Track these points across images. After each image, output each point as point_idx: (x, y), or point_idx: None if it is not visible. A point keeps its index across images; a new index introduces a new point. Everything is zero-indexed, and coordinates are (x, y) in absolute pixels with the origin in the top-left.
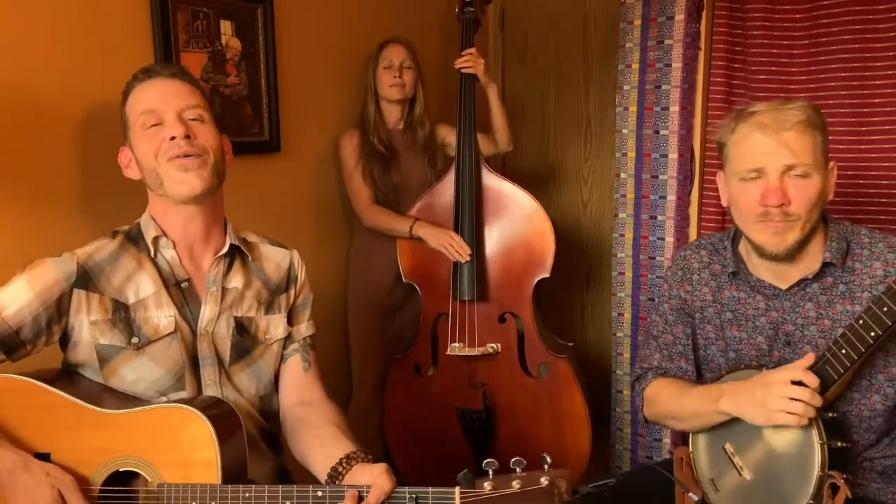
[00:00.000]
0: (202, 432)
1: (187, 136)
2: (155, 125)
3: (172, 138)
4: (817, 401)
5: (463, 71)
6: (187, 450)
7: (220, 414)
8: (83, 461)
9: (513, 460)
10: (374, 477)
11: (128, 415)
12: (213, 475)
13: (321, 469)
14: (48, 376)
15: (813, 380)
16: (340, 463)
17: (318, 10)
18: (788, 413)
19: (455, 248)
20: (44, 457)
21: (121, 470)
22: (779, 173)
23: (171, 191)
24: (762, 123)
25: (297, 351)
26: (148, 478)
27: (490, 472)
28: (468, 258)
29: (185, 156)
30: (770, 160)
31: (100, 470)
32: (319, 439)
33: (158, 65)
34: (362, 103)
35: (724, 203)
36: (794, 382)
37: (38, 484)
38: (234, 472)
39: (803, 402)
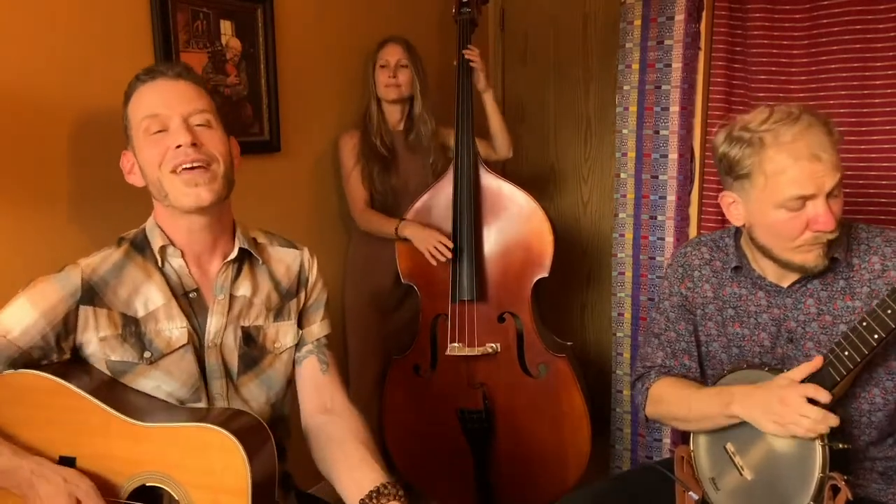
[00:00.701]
0: (235, 460)
1: (194, 144)
2: (159, 131)
3: (178, 146)
4: (834, 421)
5: (470, 63)
6: (219, 474)
7: (252, 435)
8: (110, 470)
9: None
10: None
11: (159, 429)
12: (243, 503)
13: (349, 495)
14: (73, 374)
15: (825, 396)
16: (371, 497)
17: (318, 10)
18: (802, 428)
19: (438, 248)
20: (69, 460)
21: (148, 485)
22: (825, 198)
23: (177, 202)
24: (807, 153)
25: (312, 352)
26: (175, 496)
27: None
28: (449, 256)
29: (193, 165)
30: (822, 187)
31: (127, 481)
32: (346, 460)
33: (162, 64)
34: (366, 103)
35: (736, 222)
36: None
37: (56, 492)
38: (263, 497)
39: (814, 419)
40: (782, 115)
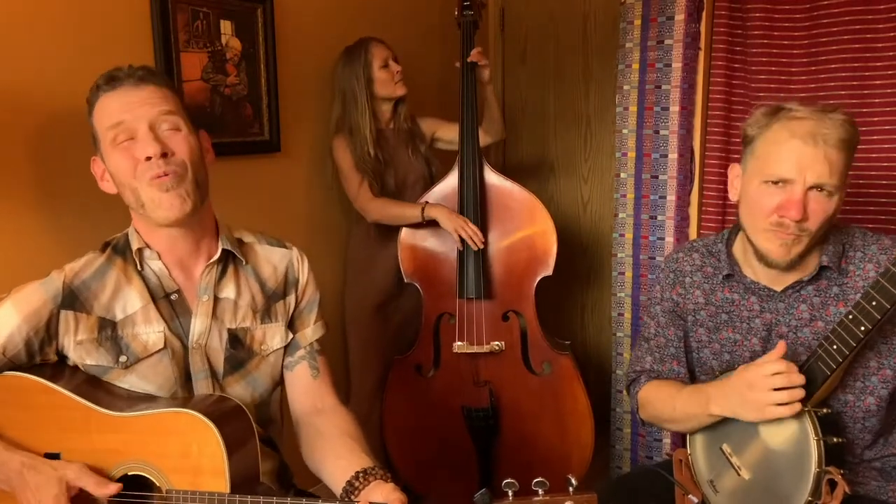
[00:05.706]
0: (210, 439)
1: (164, 155)
2: (127, 140)
3: (148, 158)
4: (799, 379)
5: (479, 63)
6: (195, 456)
7: (229, 418)
8: (93, 463)
9: (535, 481)
10: (387, 494)
11: (137, 418)
12: (222, 483)
13: (336, 480)
14: (55, 372)
15: (788, 366)
16: (357, 477)
17: (318, 10)
18: (779, 405)
19: (469, 232)
20: (54, 457)
21: (130, 474)
22: (805, 187)
23: (154, 214)
24: (806, 133)
25: (304, 358)
26: (156, 482)
27: (510, 494)
28: (482, 245)
29: (165, 175)
30: (803, 174)
31: (110, 473)
32: (333, 450)
33: (122, 70)
34: (347, 114)
35: (732, 197)
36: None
37: (46, 480)
38: (244, 477)
39: (787, 387)
40: (819, 104)
